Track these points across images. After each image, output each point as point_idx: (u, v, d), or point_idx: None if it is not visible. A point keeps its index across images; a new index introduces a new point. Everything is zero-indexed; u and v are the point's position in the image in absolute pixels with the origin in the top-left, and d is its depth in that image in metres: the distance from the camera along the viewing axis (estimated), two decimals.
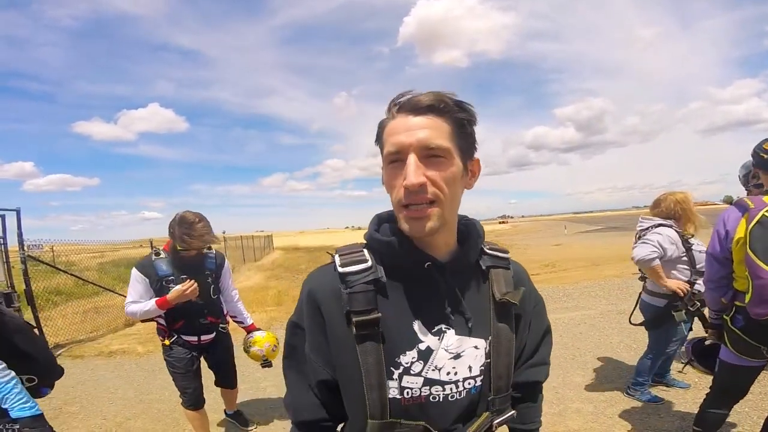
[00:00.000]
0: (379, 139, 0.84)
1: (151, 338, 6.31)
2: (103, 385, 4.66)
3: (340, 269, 0.83)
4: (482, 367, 0.87)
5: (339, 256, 0.86)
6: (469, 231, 0.91)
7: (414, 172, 0.74)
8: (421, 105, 0.77)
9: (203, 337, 2.80)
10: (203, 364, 2.92)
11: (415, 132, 0.76)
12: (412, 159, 0.75)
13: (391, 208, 0.87)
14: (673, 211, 3.08)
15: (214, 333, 2.86)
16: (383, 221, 0.91)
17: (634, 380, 3.37)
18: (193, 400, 2.78)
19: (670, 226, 3.05)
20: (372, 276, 0.82)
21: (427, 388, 0.82)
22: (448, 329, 0.84)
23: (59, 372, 2.02)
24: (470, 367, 0.85)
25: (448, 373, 0.84)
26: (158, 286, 2.60)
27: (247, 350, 3.01)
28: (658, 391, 3.40)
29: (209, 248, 2.84)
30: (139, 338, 6.71)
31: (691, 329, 3.13)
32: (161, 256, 2.67)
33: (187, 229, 2.55)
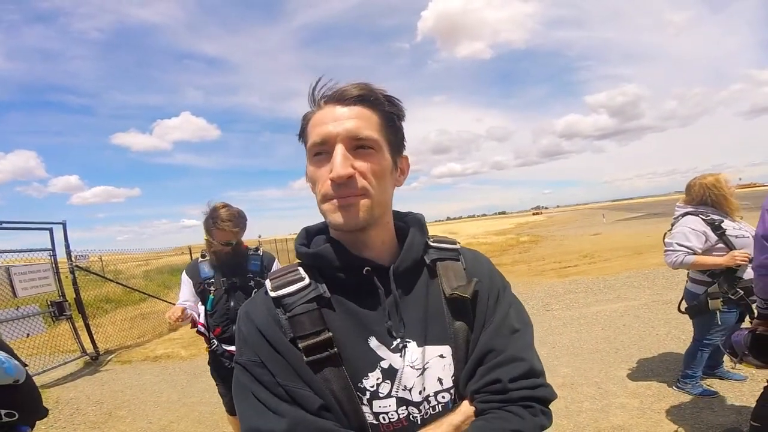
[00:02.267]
0: (303, 132, 0.78)
1: (193, 342, 6.53)
2: (149, 389, 4.85)
3: (272, 294, 0.76)
4: (453, 377, 0.77)
5: (270, 280, 0.79)
6: (408, 226, 0.84)
7: (342, 163, 0.69)
8: (349, 95, 0.73)
9: None
10: None
11: (343, 122, 0.71)
12: (339, 149, 0.70)
13: (320, 221, 0.82)
14: (704, 197, 2.90)
15: None
16: (313, 234, 0.85)
17: (684, 373, 3.19)
18: (230, 408, 2.75)
19: (697, 214, 2.87)
20: (313, 293, 0.75)
21: (404, 408, 0.74)
22: (409, 342, 0.76)
23: (42, 412, 1.79)
24: (440, 380, 0.76)
25: (420, 392, 0.75)
26: (200, 289, 2.53)
27: None
28: (711, 384, 3.21)
29: (256, 249, 2.67)
30: (183, 342, 6.95)
31: (741, 319, 2.93)
32: (206, 258, 2.57)
33: (213, 220, 2.41)
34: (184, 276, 2.58)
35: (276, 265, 2.65)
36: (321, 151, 0.72)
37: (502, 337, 0.78)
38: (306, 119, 0.77)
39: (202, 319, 2.60)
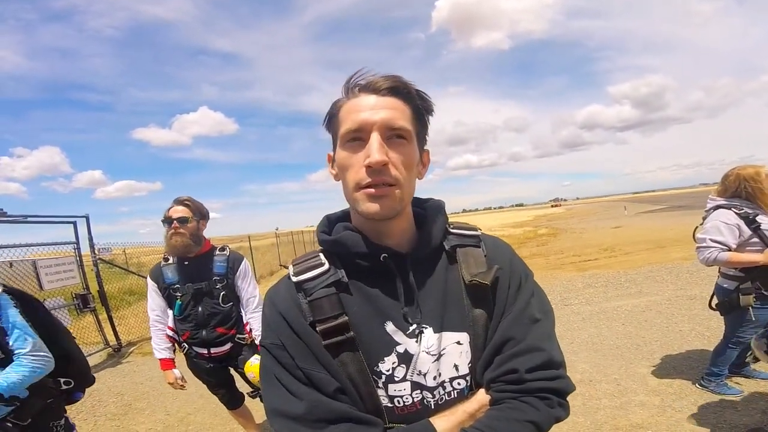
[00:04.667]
0: (333, 119, 0.79)
1: None
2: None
3: (294, 279, 0.79)
4: (470, 364, 0.78)
5: (293, 265, 0.82)
6: (427, 213, 0.84)
7: (379, 149, 0.71)
8: (383, 86, 0.74)
9: (213, 350, 2.51)
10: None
11: (379, 111, 0.73)
12: (376, 137, 0.71)
13: (343, 208, 0.85)
14: (738, 189, 2.74)
15: (228, 345, 2.53)
16: (334, 221, 0.86)
17: (709, 370, 3.09)
18: (225, 403, 2.77)
19: (730, 208, 2.72)
20: (332, 278, 0.77)
21: (418, 392, 0.76)
22: (425, 328, 0.77)
23: (92, 379, 2.05)
24: (456, 366, 0.78)
25: (435, 378, 0.77)
26: (166, 294, 2.45)
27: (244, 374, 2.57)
28: (736, 383, 3.10)
29: (222, 248, 2.55)
30: None
31: None
32: (169, 261, 2.46)
33: (168, 227, 2.35)
34: (150, 281, 2.49)
35: (244, 265, 2.57)
36: (355, 138, 0.73)
37: (522, 326, 0.77)
38: (337, 106, 0.78)
39: (170, 323, 2.53)
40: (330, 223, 0.86)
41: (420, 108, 0.78)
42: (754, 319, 2.72)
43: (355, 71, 0.77)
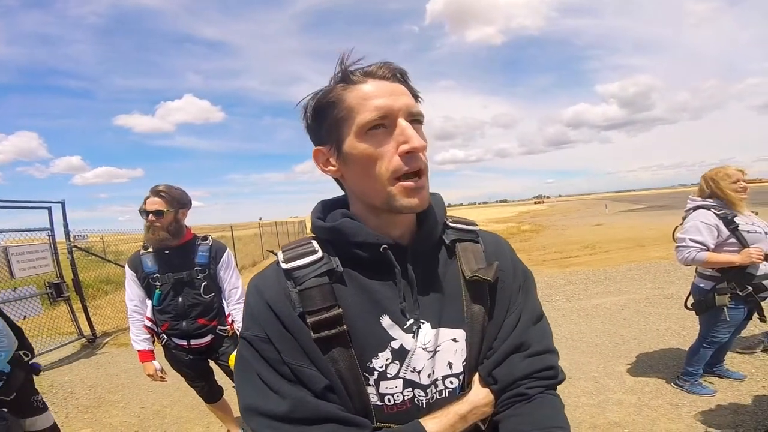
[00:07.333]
0: (331, 109, 0.71)
1: None
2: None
3: (284, 266, 0.73)
4: (464, 363, 0.76)
5: (282, 252, 0.76)
6: (428, 205, 0.81)
7: (416, 135, 0.68)
8: (389, 73, 0.71)
9: (193, 342, 2.45)
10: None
11: (399, 96, 0.69)
12: (405, 123, 0.68)
13: (337, 195, 0.83)
14: (706, 190, 2.85)
15: (209, 337, 2.49)
16: (329, 208, 0.81)
17: (684, 370, 3.14)
18: (203, 397, 2.71)
19: (709, 208, 2.78)
20: (325, 267, 0.72)
21: (409, 390, 0.73)
22: (423, 323, 0.74)
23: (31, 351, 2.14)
24: (450, 364, 0.75)
25: (429, 375, 0.74)
26: (145, 283, 2.39)
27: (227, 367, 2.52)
28: (710, 382, 3.16)
29: (205, 238, 2.50)
30: None
31: (749, 316, 2.86)
32: (149, 250, 2.39)
33: (145, 218, 2.29)
34: (128, 270, 2.42)
35: (227, 255, 2.52)
36: (380, 125, 0.68)
37: (536, 326, 0.79)
38: (334, 94, 0.71)
39: (149, 313, 2.46)
40: (325, 209, 0.81)
41: (416, 95, 0.75)
42: (728, 319, 2.77)
43: (344, 57, 0.71)
